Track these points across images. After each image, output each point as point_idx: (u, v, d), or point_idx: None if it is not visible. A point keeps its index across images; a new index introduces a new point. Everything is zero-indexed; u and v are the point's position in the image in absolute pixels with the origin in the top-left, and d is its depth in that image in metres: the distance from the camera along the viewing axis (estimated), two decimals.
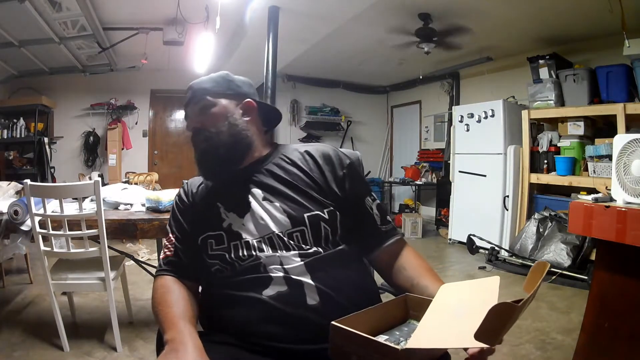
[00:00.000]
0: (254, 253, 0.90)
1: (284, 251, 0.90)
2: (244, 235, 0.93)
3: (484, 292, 0.71)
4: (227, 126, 1.01)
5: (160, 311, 0.87)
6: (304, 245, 0.91)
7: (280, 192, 0.97)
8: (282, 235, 0.91)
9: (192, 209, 1.04)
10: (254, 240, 0.92)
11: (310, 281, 0.86)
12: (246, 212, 0.96)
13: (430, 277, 0.93)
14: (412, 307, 0.83)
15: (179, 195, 1.09)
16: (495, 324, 0.57)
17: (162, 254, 1.03)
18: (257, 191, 0.98)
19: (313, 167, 1.02)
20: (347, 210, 0.98)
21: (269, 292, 0.86)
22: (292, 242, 0.90)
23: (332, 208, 0.95)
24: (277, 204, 0.95)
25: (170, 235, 1.04)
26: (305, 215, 0.93)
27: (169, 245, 1.02)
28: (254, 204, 0.96)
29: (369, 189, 1.07)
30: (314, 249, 0.91)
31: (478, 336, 0.57)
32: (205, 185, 1.06)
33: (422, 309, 0.78)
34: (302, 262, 0.88)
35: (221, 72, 1.11)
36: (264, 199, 0.97)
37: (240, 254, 0.91)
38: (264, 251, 0.90)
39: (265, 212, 0.94)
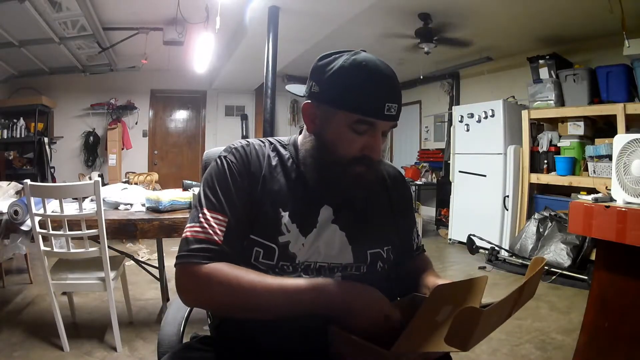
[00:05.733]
0: (299, 271, 0.82)
1: (330, 277, 0.82)
2: (298, 260, 0.81)
3: (469, 293, 0.70)
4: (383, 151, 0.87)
5: (253, 281, 0.73)
6: (352, 272, 0.85)
7: (349, 217, 0.86)
8: (337, 268, 0.83)
9: (249, 193, 0.82)
10: (305, 264, 0.82)
11: None
12: (310, 230, 0.83)
13: (430, 273, 0.92)
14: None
15: (232, 164, 0.83)
16: (462, 329, 0.57)
17: (202, 232, 0.77)
18: (327, 209, 0.85)
19: (382, 191, 0.94)
20: (399, 247, 0.93)
21: None
22: (344, 273, 0.84)
23: (390, 246, 0.89)
24: (345, 233, 0.85)
25: (218, 214, 0.79)
26: (369, 252, 0.85)
27: (219, 227, 0.78)
28: (320, 223, 0.84)
29: (415, 217, 1.03)
30: (357, 272, 0.86)
31: (448, 341, 0.58)
32: (265, 175, 0.85)
33: None
34: (340, 278, 0.83)
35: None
36: (334, 221, 0.85)
37: (285, 270, 0.81)
38: (309, 274, 0.82)
39: (331, 238, 0.84)
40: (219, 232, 0.77)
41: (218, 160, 0.85)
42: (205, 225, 0.78)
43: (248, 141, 0.89)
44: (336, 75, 0.79)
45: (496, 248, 3.91)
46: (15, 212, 1.93)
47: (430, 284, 0.86)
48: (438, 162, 6.09)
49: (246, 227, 0.81)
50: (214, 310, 0.87)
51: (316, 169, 0.83)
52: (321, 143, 0.82)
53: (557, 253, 3.44)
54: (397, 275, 0.98)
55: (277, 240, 0.80)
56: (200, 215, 0.79)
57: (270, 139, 0.92)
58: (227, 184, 0.81)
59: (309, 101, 0.84)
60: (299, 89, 0.90)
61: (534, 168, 4.10)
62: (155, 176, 4.94)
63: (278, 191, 0.84)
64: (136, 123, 6.67)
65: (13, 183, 2.44)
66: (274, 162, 0.87)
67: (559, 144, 3.92)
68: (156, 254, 2.74)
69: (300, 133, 0.91)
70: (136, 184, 3.97)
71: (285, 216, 0.82)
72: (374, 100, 0.77)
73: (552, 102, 3.96)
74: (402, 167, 6.63)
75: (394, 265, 0.93)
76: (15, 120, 5.60)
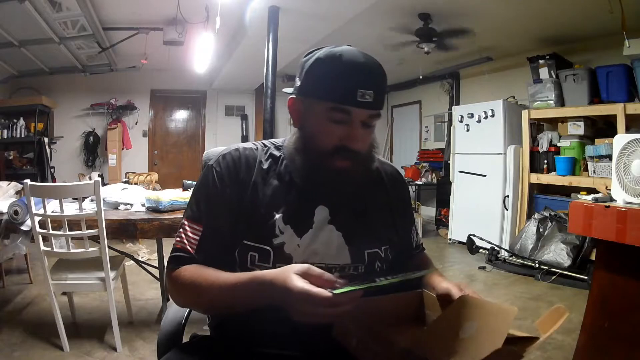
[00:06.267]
0: None
1: None
2: (295, 261, 0.79)
3: (497, 319, 0.68)
4: (371, 145, 0.85)
5: (213, 283, 0.74)
6: (350, 273, 0.84)
7: (347, 217, 0.85)
8: (335, 269, 0.82)
9: (237, 199, 0.83)
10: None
11: None
12: (306, 231, 0.82)
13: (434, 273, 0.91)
14: (428, 306, 0.81)
15: (216, 173, 0.85)
16: None
17: (179, 241, 0.83)
18: (323, 210, 0.84)
19: (381, 190, 0.94)
20: (397, 246, 0.92)
21: None
22: (342, 273, 0.82)
23: (388, 246, 0.88)
24: (342, 233, 0.84)
25: (195, 224, 0.83)
26: (366, 252, 0.85)
27: (193, 236, 0.82)
28: (317, 224, 0.83)
29: (413, 216, 1.03)
30: (356, 273, 0.85)
31: None
32: (255, 180, 0.85)
33: (437, 309, 0.77)
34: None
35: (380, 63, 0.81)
36: (330, 222, 0.84)
37: None
38: None
39: (327, 239, 0.83)
40: (192, 240, 0.82)
41: (205, 170, 0.88)
42: (183, 235, 0.83)
43: (238, 147, 0.89)
44: (312, 67, 0.80)
45: (496, 248, 3.91)
46: (15, 212, 1.93)
47: (437, 284, 0.84)
48: (438, 162, 6.09)
49: (229, 235, 0.82)
50: (193, 310, 0.88)
51: (302, 164, 0.83)
52: (304, 135, 0.83)
53: (557, 253, 3.44)
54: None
55: (271, 242, 0.81)
56: (181, 225, 0.85)
57: (264, 141, 0.93)
58: (208, 194, 0.85)
59: (293, 96, 0.85)
60: None
61: (534, 168, 4.10)
62: (155, 176, 4.94)
63: (271, 194, 0.84)
64: (136, 123, 6.66)
65: (13, 183, 2.45)
66: (265, 166, 0.87)
67: (559, 144, 3.92)
68: (156, 254, 2.74)
69: None
70: (136, 184, 3.97)
71: (279, 218, 0.82)
72: (344, 86, 0.76)
73: (552, 102, 3.96)
74: (402, 167, 6.63)
75: (394, 264, 0.93)
76: (15, 120, 5.59)
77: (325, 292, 0.62)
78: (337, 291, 0.62)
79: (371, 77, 0.78)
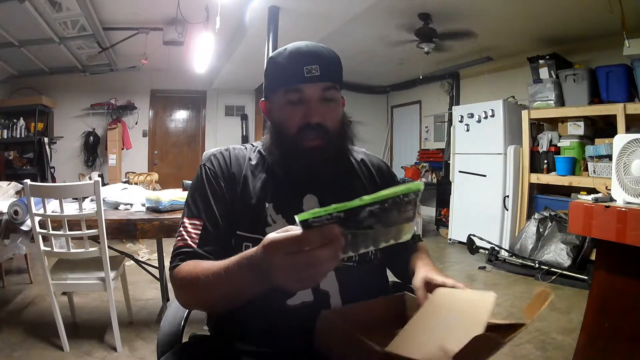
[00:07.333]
0: None
1: None
2: None
3: (476, 307, 0.67)
4: (341, 124, 0.89)
5: (207, 271, 0.72)
6: (344, 262, 0.84)
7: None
8: None
9: (230, 193, 0.88)
10: None
11: (337, 292, 0.83)
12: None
13: (418, 259, 0.91)
14: (410, 307, 0.81)
15: (209, 171, 0.90)
16: (475, 353, 0.56)
17: (180, 239, 0.85)
18: (312, 198, 0.88)
19: (368, 179, 0.98)
20: None
21: (294, 301, 0.81)
22: None
23: None
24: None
25: (195, 220, 0.86)
26: None
27: (194, 231, 0.84)
28: None
29: None
30: (350, 263, 0.86)
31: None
32: (246, 174, 0.90)
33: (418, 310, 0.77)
34: (333, 272, 0.83)
35: (332, 49, 0.89)
36: None
37: None
38: None
39: None
40: (194, 235, 0.84)
41: (198, 170, 0.93)
42: (183, 233, 0.85)
43: (228, 147, 0.96)
44: (267, 67, 0.90)
45: (496, 248, 3.91)
46: (15, 212, 1.93)
47: (420, 270, 0.84)
48: (438, 162, 6.08)
49: (227, 227, 0.86)
50: (196, 308, 0.87)
51: (279, 154, 0.88)
52: (274, 128, 0.89)
53: (557, 253, 3.44)
54: (392, 265, 1.00)
55: (264, 231, 0.83)
56: (181, 224, 0.87)
57: (253, 143, 1.00)
58: (205, 190, 0.89)
59: (262, 99, 0.93)
60: None
61: (534, 168, 4.10)
62: (155, 176, 4.94)
63: (261, 186, 0.89)
64: (136, 123, 6.66)
65: (13, 183, 2.45)
66: (254, 162, 0.93)
67: (559, 144, 3.92)
68: (156, 254, 2.74)
69: None
70: (136, 184, 3.97)
71: (270, 207, 0.86)
72: (292, 68, 0.83)
73: (552, 102, 3.96)
74: (402, 167, 6.64)
75: (389, 254, 0.93)
76: (15, 120, 5.60)
77: (293, 232, 0.56)
78: (301, 216, 0.54)
79: (315, 55, 0.84)
